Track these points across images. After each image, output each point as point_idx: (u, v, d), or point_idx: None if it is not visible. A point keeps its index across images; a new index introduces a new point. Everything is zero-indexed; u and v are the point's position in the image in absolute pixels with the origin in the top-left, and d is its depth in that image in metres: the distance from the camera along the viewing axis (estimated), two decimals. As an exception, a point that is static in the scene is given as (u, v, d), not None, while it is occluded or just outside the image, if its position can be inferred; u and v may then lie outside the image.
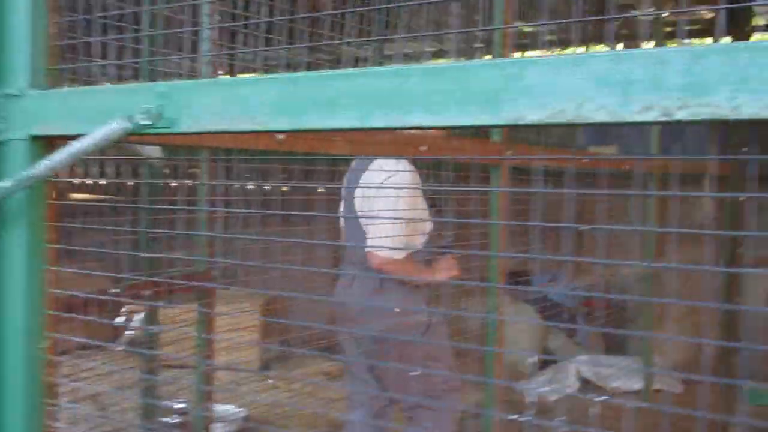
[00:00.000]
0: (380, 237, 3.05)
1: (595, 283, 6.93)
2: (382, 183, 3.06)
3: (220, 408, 4.78)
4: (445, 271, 3.26)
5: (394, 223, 3.01)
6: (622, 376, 5.93)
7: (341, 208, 3.46)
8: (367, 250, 3.07)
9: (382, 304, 3.09)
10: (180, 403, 4.43)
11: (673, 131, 5.49)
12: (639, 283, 6.25)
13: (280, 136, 1.47)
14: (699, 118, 0.63)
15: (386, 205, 3.06)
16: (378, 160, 3.13)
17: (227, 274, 4.87)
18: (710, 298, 5.62)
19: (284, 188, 4.90)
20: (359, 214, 3.21)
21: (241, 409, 4.85)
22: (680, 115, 0.63)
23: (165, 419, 4.49)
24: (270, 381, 6.09)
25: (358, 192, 3.22)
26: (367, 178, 3.16)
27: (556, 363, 6.63)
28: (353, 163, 3.44)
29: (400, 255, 3.06)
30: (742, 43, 0.62)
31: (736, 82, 0.61)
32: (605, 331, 6.81)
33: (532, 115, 0.69)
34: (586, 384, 6.18)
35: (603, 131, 6.19)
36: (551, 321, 6.81)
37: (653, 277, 4.93)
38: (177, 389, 4.96)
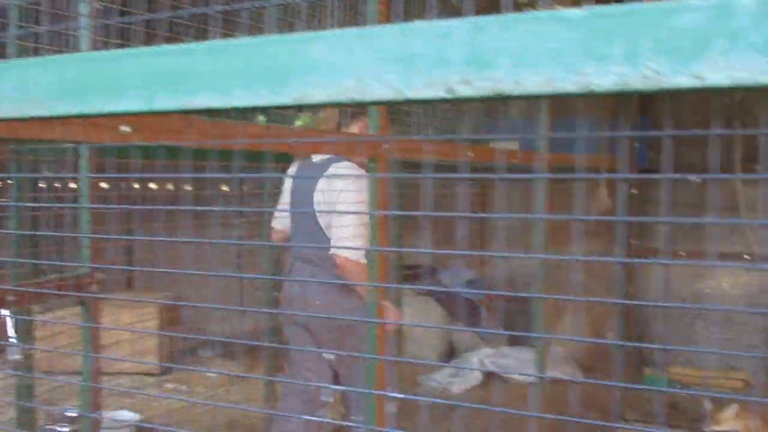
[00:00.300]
0: (346, 238, 3.34)
1: (496, 275, 7.00)
2: (344, 187, 3.37)
3: (114, 414, 4.64)
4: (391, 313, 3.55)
5: (358, 226, 3.32)
6: (525, 367, 6.00)
7: (283, 205, 3.75)
8: (333, 251, 3.35)
9: (339, 299, 3.45)
10: (71, 410, 4.29)
11: (567, 125, 5.58)
12: (538, 274, 6.33)
13: (124, 128, 1.38)
14: (482, 95, 0.59)
15: (350, 209, 3.33)
16: (334, 163, 3.46)
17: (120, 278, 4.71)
18: (608, 289, 5.74)
19: (170, 185, 4.78)
20: (318, 214, 3.45)
21: (135, 415, 4.71)
22: (463, 92, 0.59)
23: (55, 427, 4.33)
24: (169, 385, 5.94)
25: (318, 194, 3.46)
26: (325, 179, 3.42)
27: (460, 356, 6.69)
28: (297, 162, 3.70)
29: (363, 258, 3.32)
30: (526, 14, 0.58)
31: (516, 55, 0.57)
32: (507, 323, 6.87)
33: (317, 93, 0.64)
34: (489, 376, 6.25)
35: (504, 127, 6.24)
36: (455, 315, 6.86)
37: (552, 269, 5.00)
38: (69, 395, 4.78)
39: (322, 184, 3.45)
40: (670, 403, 5.75)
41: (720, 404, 4.80)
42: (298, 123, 3.83)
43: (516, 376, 6.11)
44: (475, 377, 6.26)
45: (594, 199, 5.70)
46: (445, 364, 6.49)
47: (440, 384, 6.18)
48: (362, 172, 3.43)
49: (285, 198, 3.80)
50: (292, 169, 3.77)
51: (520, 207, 5.52)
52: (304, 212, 3.55)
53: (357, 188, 3.33)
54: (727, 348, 6.46)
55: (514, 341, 6.76)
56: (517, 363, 6.20)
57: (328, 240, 3.43)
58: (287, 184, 3.78)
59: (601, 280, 5.70)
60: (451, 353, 6.81)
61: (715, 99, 6.28)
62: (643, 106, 6.11)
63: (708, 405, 4.95)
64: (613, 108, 5.58)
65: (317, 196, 3.48)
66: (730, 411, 4.77)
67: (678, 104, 6.69)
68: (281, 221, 3.83)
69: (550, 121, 4.24)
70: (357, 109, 3.53)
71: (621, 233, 5.48)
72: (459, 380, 6.21)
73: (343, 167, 3.46)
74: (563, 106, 4.87)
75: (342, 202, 3.36)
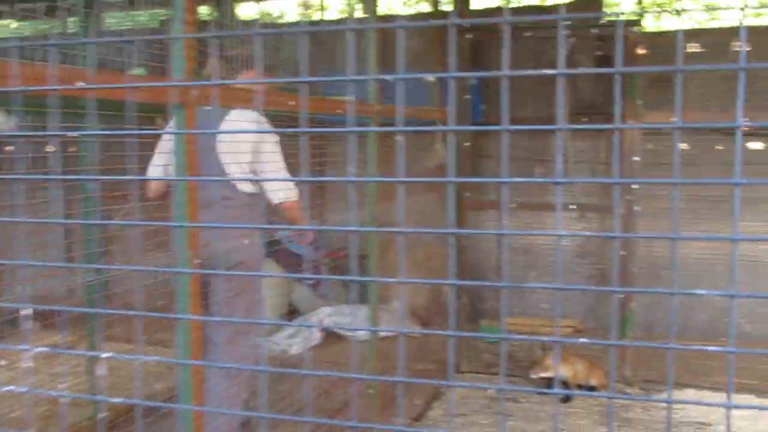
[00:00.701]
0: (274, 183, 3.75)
1: (334, 233, 6.90)
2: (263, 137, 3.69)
3: None
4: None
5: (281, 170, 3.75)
6: (364, 324, 5.96)
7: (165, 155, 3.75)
8: (275, 196, 3.76)
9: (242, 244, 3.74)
10: None
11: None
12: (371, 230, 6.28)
13: None
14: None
15: (271, 155, 3.72)
16: (235, 111, 3.68)
17: None
18: (442, 242, 5.76)
19: None
20: (226, 161, 3.68)
21: (-60, 397, 4.32)
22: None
23: None
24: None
25: (222, 144, 3.67)
26: (228, 128, 3.68)
27: (300, 316, 6.58)
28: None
29: (296, 195, 3.81)
30: None
31: None
32: (348, 281, 6.81)
33: None
34: (330, 335, 6.18)
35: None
36: (293, 274, 6.73)
37: (385, 225, 4.94)
38: None
39: (225, 132, 3.72)
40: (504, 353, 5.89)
41: (548, 352, 4.92)
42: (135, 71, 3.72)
43: (353, 334, 6.08)
44: (315, 337, 6.17)
45: (429, 153, 5.68)
46: (285, 323, 6.36)
47: (280, 346, 6.06)
48: (264, 121, 3.80)
49: (166, 147, 3.72)
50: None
51: (356, 160, 5.42)
52: (205, 160, 3.58)
53: (271, 138, 3.74)
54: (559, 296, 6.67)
55: (354, 299, 6.72)
56: (356, 321, 6.17)
57: (232, 185, 3.70)
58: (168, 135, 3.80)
59: (435, 234, 5.72)
60: (291, 314, 6.70)
61: (544, 52, 6.39)
62: (475, 58, 6.14)
63: (539, 353, 5.07)
64: (444, 60, 5.55)
65: (222, 146, 3.68)
66: (555, 357, 4.91)
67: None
68: (164, 169, 3.82)
69: (380, 72, 4.13)
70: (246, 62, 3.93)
71: (452, 187, 5.49)
72: (299, 341, 6.11)
73: (246, 116, 3.69)
74: (393, 57, 4.76)
75: (265, 152, 3.70)
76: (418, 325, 6.34)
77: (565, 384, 4.93)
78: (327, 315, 6.35)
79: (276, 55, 4.66)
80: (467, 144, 5.79)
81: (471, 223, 6.21)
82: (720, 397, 4.89)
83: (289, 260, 6.65)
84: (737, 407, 0.78)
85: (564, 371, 4.92)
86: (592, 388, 5.00)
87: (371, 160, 4.04)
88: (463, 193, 5.54)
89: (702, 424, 4.51)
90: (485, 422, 4.61)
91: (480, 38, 6.17)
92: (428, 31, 5.88)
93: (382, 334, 5.92)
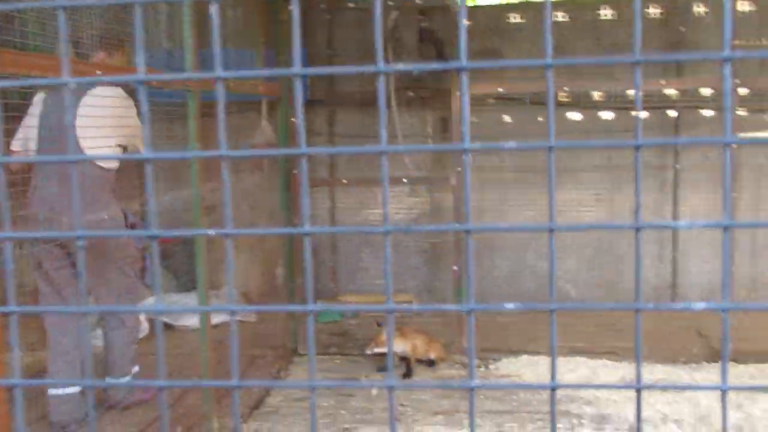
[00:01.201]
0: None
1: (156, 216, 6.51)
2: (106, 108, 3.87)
3: None
4: None
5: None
6: (191, 313, 5.67)
7: (31, 129, 3.98)
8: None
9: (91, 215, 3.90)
10: None
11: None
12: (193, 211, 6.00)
13: None
14: None
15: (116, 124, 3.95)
16: (99, 87, 3.87)
17: None
18: (274, 221, 5.56)
19: None
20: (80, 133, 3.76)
21: None
22: None
23: None
24: None
25: (80, 117, 3.75)
26: (88, 100, 3.80)
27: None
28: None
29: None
30: None
31: None
32: (174, 268, 6.47)
33: None
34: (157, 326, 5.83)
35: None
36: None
37: (210, 208, 4.67)
38: None
39: (83, 107, 3.76)
40: (341, 332, 5.78)
41: (384, 328, 4.84)
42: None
43: (183, 323, 5.79)
44: (142, 329, 5.80)
45: (256, 130, 5.45)
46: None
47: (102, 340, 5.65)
48: (127, 96, 4.03)
49: (32, 122, 3.98)
50: (41, 96, 4.02)
51: (179, 140, 5.09)
52: (59, 133, 3.83)
53: (123, 112, 3.97)
54: (394, 268, 6.64)
55: (182, 286, 6.40)
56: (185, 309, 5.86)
57: (90, 161, 3.81)
58: (35, 108, 4.00)
59: (265, 212, 5.51)
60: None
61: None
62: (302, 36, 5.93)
63: (376, 329, 4.98)
64: (268, 38, 5.32)
65: (80, 120, 3.75)
66: (393, 333, 4.84)
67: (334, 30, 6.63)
68: (23, 143, 4.01)
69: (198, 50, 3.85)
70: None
71: (283, 165, 5.30)
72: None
73: (110, 92, 3.93)
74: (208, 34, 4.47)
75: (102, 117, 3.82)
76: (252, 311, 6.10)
77: (405, 359, 4.87)
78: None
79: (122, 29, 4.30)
80: (294, 120, 5.58)
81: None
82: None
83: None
84: (733, 389, 0.68)
85: (402, 346, 4.86)
86: (431, 362, 4.98)
87: (192, 135, 3.77)
88: (292, 170, 5.34)
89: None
90: (326, 404, 4.47)
91: (305, 9, 5.97)
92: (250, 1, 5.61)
93: (215, 321, 5.66)
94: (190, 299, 5.98)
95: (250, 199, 5.47)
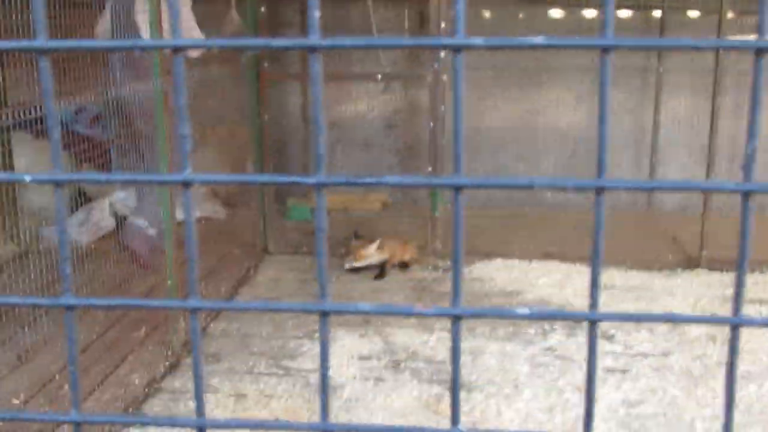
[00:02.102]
0: None
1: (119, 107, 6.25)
2: None
3: None
4: None
5: None
6: (159, 208, 5.50)
7: None
8: None
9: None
10: None
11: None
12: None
13: None
14: None
15: None
16: None
17: None
18: (243, 116, 5.35)
19: None
20: None
21: None
22: None
23: None
24: None
25: None
26: None
27: (89, 202, 5.99)
28: None
29: None
30: None
31: None
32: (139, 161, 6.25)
33: None
34: (123, 221, 5.66)
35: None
36: (82, 158, 6.08)
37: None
38: None
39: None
40: (312, 231, 5.65)
41: (365, 241, 4.73)
42: None
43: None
44: (107, 224, 5.65)
45: (223, 21, 5.16)
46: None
47: (69, 235, 5.49)
48: None
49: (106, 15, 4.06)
50: None
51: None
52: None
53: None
54: (368, 168, 6.49)
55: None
56: (151, 205, 5.68)
57: None
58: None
59: (236, 107, 5.29)
60: (80, 201, 6.07)
61: None
62: None
63: (353, 242, 4.87)
64: None
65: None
66: (373, 246, 4.74)
67: None
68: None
69: None
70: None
71: (253, 59, 5.06)
72: (89, 229, 5.57)
73: None
74: None
75: None
76: (220, 206, 5.95)
77: (382, 266, 4.82)
78: (119, 200, 5.82)
79: None
80: (263, 10, 5.30)
81: (272, 98, 5.81)
82: (525, 265, 4.94)
83: (74, 142, 5.99)
84: (746, 322, 0.57)
85: (380, 256, 4.80)
86: (404, 264, 4.90)
87: (152, 24, 3.53)
88: (261, 64, 5.11)
89: (511, 292, 4.53)
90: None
91: None
92: None
93: (180, 218, 5.50)
94: (156, 194, 5.81)
95: (219, 92, 5.23)
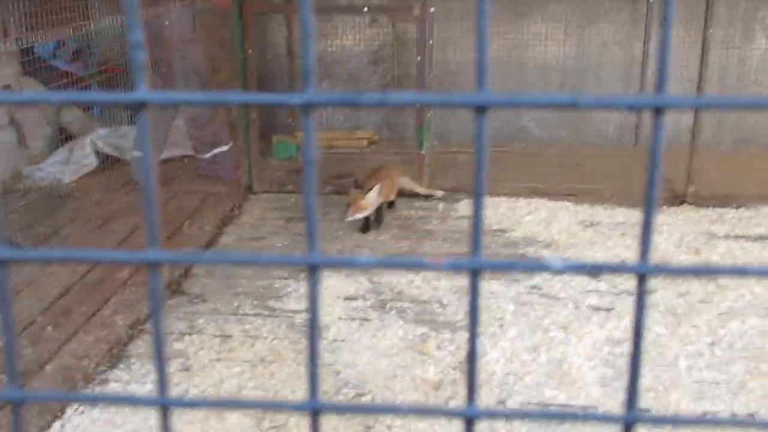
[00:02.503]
0: None
1: (100, 41, 6.12)
2: None
3: None
4: None
5: None
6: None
7: None
8: None
9: None
10: None
11: None
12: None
13: None
14: None
15: None
16: None
17: None
18: (229, 54, 5.23)
19: None
20: None
21: None
22: None
23: None
24: None
25: None
26: None
27: (71, 140, 5.89)
28: None
29: None
30: None
31: None
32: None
33: None
34: (106, 159, 5.59)
35: None
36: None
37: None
38: None
39: None
40: (297, 169, 5.60)
41: (363, 190, 4.42)
42: None
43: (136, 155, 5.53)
44: (90, 162, 5.57)
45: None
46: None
47: (51, 174, 5.42)
48: None
49: None
50: None
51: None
52: None
53: None
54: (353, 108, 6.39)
55: (134, 120, 6.10)
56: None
57: None
58: None
59: (217, 41, 5.18)
60: (63, 139, 5.97)
61: None
62: None
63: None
64: None
65: None
66: (373, 193, 4.42)
67: None
68: None
69: None
70: None
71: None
72: (71, 167, 5.49)
73: None
74: None
75: None
76: (203, 145, 5.87)
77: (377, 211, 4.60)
78: (100, 137, 5.73)
79: None
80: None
81: (256, 29, 5.68)
82: (512, 202, 4.91)
83: (51, 76, 5.87)
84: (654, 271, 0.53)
85: (378, 199, 4.51)
86: (391, 203, 4.82)
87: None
88: (245, -4, 4.97)
89: (498, 230, 4.51)
90: (281, 245, 4.36)
91: None
92: None
93: (164, 156, 5.44)
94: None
95: (200, 26, 5.11)
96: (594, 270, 0.54)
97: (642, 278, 0.53)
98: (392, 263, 0.58)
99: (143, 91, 0.54)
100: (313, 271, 0.54)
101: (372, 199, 4.41)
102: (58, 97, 0.58)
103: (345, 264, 0.56)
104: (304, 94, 0.51)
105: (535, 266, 0.54)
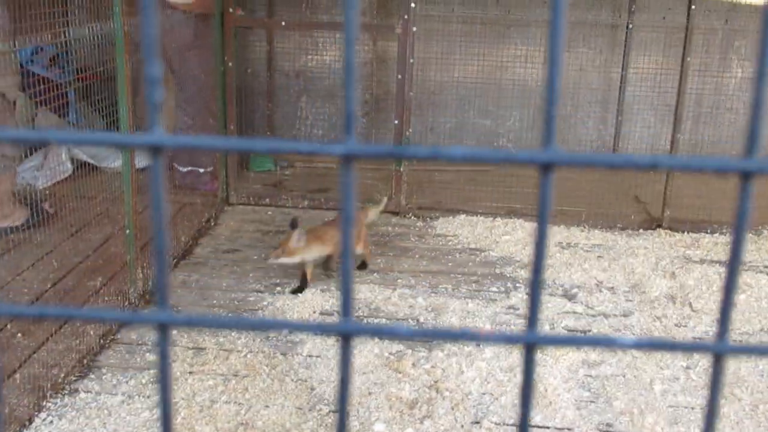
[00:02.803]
0: None
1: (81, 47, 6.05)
2: None
3: None
4: None
5: None
6: (118, 153, 5.36)
7: None
8: None
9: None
10: None
11: None
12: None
13: None
14: None
15: None
16: None
17: None
18: (208, 68, 5.20)
19: None
20: None
21: None
22: None
23: None
24: None
25: None
26: None
27: (44, 146, 5.82)
28: None
29: None
30: None
31: None
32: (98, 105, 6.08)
33: None
34: (82, 166, 5.52)
35: None
36: (37, 98, 5.90)
37: (137, 41, 4.30)
38: None
39: None
40: (275, 182, 5.57)
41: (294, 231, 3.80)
42: None
43: (113, 165, 5.48)
44: (65, 169, 5.50)
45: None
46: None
47: (24, 180, 5.35)
48: None
49: None
50: None
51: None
52: None
53: None
54: (335, 120, 6.39)
55: (110, 127, 6.04)
56: (115, 150, 5.54)
57: None
58: None
59: (198, 53, 5.14)
60: (37, 145, 5.90)
61: None
62: None
63: (287, 233, 3.86)
64: None
65: None
66: (294, 238, 3.74)
67: None
68: None
69: None
70: None
71: (218, 2, 4.90)
72: (45, 174, 5.42)
73: None
74: None
75: None
76: (182, 159, 5.83)
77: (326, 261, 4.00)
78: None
79: None
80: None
81: (239, 44, 5.66)
82: (489, 221, 4.91)
83: (28, 82, 5.80)
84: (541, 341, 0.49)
85: (320, 250, 3.89)
86: (363, 264, 4.20)
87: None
88: (227, 8, 4.95)
89: (474, 249, 4.51)
90: (257, 258, 4.32)
91: None
92: None
93: (139, 165, 5.37)
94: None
95: (179, 37, 5.08)
96: (670, 348, 0.48)
97: (719, 359, 0.48)
98: (435, 334, 0.51)
99: (159, 134, 0.48)
100: (346, 340, 0.50)
101: (297, 244, 3.75)
102: (64, 137, 0.52)
103: (382, 333, 0.51)
104: (345, 145, 0.46)
105: (604, 342, 0.48)
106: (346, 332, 0.48)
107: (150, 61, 0.46)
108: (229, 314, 3.67)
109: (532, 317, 0.48)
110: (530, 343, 0.47)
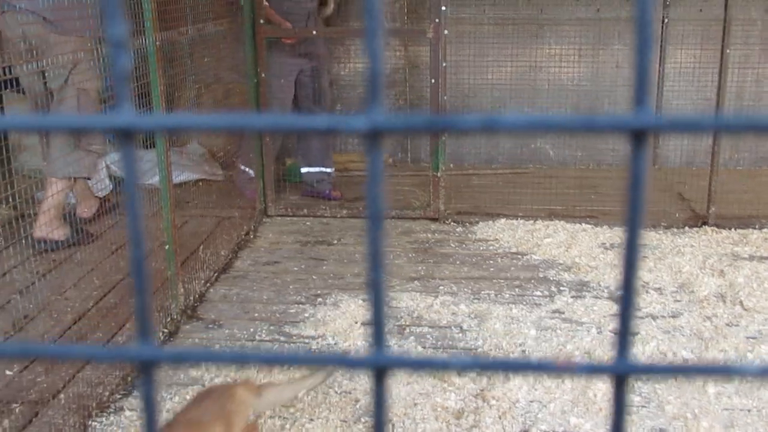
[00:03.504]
0: None
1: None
2: None
3: None
4: None
5: None
6: (153, 170, 5.39)
7: None
8: None
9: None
10: None
11: None
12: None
13: None
14: None
15: None
16: None
17: None
18: (242, 78, 5.21)
19: None
20: None
21: None
22: None
23: None
24: None
25: None
26: None
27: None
28: None
29: None
30: None
31: None
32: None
33: None
34: (120, 183, 5.55)
35: None
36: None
37: (174, 56, 4.32)
38: None
39: None
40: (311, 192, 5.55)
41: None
42: None
43: (151, 181, 5.50)
44: (104, 186, 5.54)
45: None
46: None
47: (68, 198, 5.38)
48: None
49: None
50: None
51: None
52: None
53: None
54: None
55: (144, 143, 6.08)
56: (152, 166, 5.56)
57: None
58: None
59: (229, 65, 5.15)
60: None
61: None
62: None
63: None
64: None
65: None
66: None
67: None
68: None
69: None
70: None
71: (249, 15, 4.90)
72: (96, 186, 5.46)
73: None
74: None
75: None
76: (217, 168, 5.85)
77: None
78: (113, 161, 5.70)
79: None
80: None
81: (270, 56, 5.66)
82: (530, 224, 4.85)
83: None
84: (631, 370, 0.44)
85: None
86: None
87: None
88: (258, 20, 4.95)
89: (516, 253, 4.44)
90: (297, 269, 4.30)
91: None
92: None
93: (177, 180, 5.39)
94: (150, 155, 5.70)
95: (213, 51, 5.09)
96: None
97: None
98: (488, 365, 0.42)
99: (129, 114, 0.39)
100: (380, 374, 0.42)
101: None
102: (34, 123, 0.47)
103: (423, 365, 0.42)
104: (369, 117, 0.38)
105: (723, 371, 0.41)
106: (378, 365, 0.40)
107: (112, 21, 0.38)
108: (271, 327, 3.64)
109: (622, 342, 0.41)
110: (621, 375, 0.40)
